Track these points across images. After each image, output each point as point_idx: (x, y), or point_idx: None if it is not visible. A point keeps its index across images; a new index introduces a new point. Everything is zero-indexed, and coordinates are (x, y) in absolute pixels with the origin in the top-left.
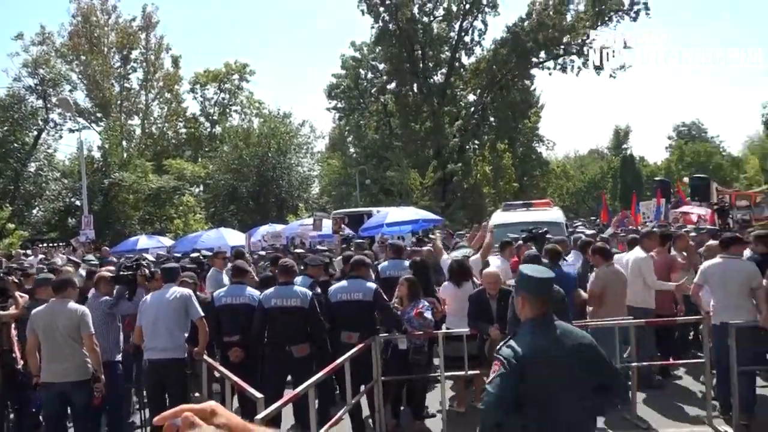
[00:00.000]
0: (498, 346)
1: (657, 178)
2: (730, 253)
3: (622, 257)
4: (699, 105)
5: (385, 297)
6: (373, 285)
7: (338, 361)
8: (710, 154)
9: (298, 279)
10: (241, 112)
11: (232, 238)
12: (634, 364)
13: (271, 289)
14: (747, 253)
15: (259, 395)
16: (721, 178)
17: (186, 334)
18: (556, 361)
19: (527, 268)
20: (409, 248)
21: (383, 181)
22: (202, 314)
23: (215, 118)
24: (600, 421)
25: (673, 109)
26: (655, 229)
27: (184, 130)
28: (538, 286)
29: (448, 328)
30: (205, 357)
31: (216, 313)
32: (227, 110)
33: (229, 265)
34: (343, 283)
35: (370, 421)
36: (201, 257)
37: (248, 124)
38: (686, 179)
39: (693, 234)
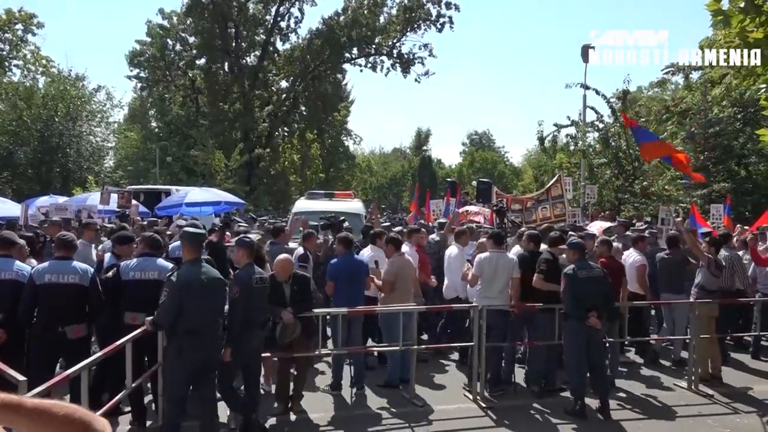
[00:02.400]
0: (168, 275)
1: (448, 179)
2: (499, 248)
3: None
4: (490, 117)
5: None
6: (168, 264)
7: (118, 342)
8: (496, 162)
9: (108, 257)
10: (24, 67)
11: (4, 208)
12: (414, 347)
13: (45, 264)
14: (517, 249)
15: (21, 378)
16: (504, 184)
17: None
18: (201, 285)
19: (188, 227)
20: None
21: (186, 160)
22: None
23: None
24: (383, 401)
25: (469, 117)
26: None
27: None
28: (193, 238)
29: None
30: None
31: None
32: (6, 63)
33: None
34: (135, 261)
35: (153, 405)
36: None
37: (32, 82)
38: (474, 182)
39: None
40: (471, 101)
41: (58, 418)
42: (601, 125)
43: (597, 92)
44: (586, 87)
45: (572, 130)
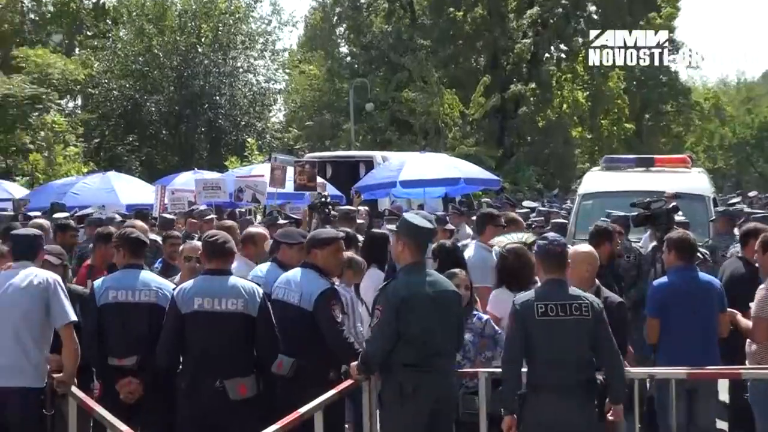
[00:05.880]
0: (380, 287)
1: None
2: None
3: None
4: None
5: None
6: (326, 283)
7: (303, 409)
8: None
9: (264, 266)
10: None
11: (129, 190)
12: None
13: (191, 282)
14: None
15: None
16: None
17: (47, 349)
18: (427, 300)
19: (410, 215)
20: None
21: (396, 107)
22: (73, 318)
23: None
24: None
25: None
26: None
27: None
28: (418, 233)
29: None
30: (75, 390)
31: (97, 316)
32: None
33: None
34: (293, 273)
35: None
36: (72, 222)
37: None
38: None
39: None
40: None
41: None
42: None
43: None
44: None
45: None
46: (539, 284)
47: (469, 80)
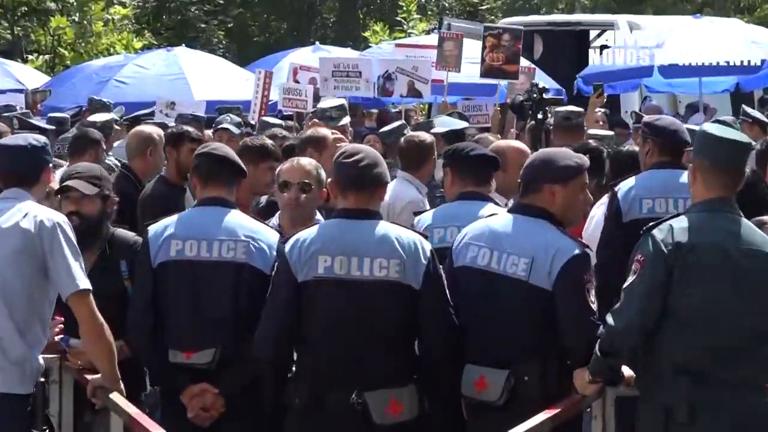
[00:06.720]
0: (646, 226)
1: None
2: None
3: None
4: None
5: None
6: (574, 244)
7: None
8: None
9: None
10: None
11: (210, 77)
12: None
13: (312, 232)
14: None
15: None
16: None
17: (41, 332)
18: (727, 257)
19: (711, 126)
20: None
21: None
22: (84, 285)
23: None
24: None
25: None
26: None
27: None
28: (720, 150)
29: None
30: (119, 401)
31: (153, 283)
32: None
33: None
34: (501, 222)
35: None
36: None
37: None
38: None
39: None
40: None
41: None
42: None
43: None
44: None
45: None
46: None
47: None
